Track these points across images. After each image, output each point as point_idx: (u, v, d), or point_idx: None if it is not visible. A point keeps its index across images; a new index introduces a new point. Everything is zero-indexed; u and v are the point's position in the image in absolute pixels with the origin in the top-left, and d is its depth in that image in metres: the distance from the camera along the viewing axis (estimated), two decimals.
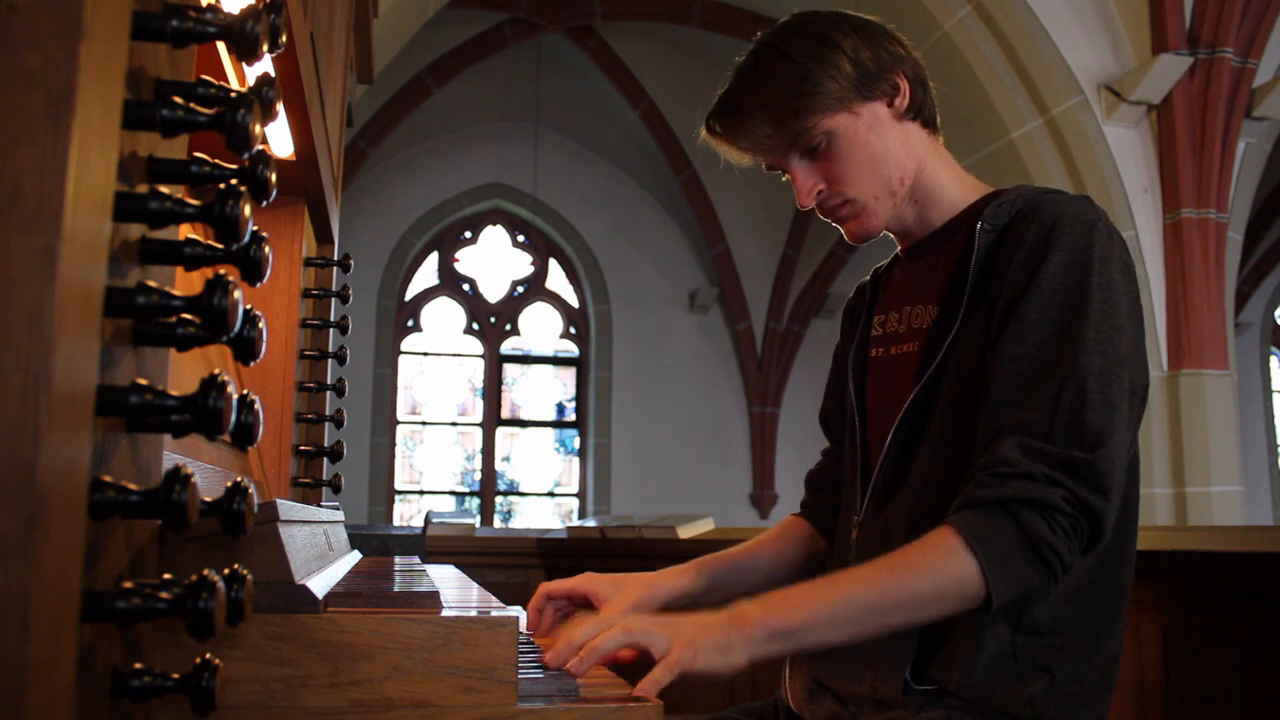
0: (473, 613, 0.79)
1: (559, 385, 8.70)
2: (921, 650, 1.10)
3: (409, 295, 8.43)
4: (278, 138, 1.29)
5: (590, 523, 4.13)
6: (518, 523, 8.41)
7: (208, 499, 0.54)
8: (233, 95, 0.53)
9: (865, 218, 1.23)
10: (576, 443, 8.63)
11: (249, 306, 0.55)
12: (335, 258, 1.71)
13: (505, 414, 8.55)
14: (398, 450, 8.22)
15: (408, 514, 8.25)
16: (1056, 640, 1.10)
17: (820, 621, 1.01)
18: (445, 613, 0.79)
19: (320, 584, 0.83)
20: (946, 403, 1.13)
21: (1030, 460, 1.01)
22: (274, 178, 0.57)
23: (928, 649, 1.10)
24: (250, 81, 0.83)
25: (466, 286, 8.59)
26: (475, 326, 8.58)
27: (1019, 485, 1.01)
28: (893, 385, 1.23)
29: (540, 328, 8.71)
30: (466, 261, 8.60)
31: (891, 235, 1.30)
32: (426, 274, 8.50)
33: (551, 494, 8.59)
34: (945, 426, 1.13)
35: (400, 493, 8.23)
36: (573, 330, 8.71)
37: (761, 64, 1.20)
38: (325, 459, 1.66)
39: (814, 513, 1.43)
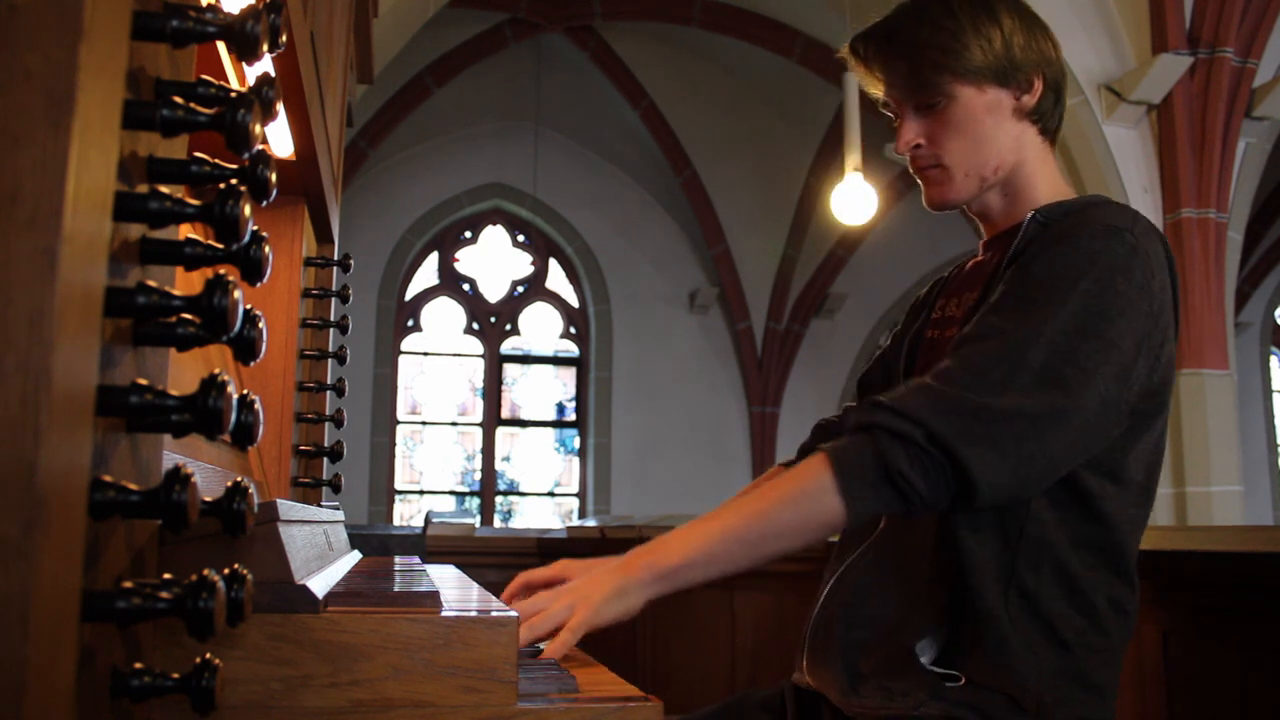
0: (473, 613, 0.79)
1: (559, 385, 8.71)
2: (942, 634, 1.12)
3: (409, 295, 8.43)
4: (278, 138, 1.28)
5: (590, 523, 4.13)
6: (518, 523, 8.42)
7: (208, 499, 0.54)
8: (233, 95, 0.53)
9: (947, 188, 1.25)
10: (576, 443, 8.63)
11: (249, 306, 0.55)
12: (335, 258, 1.71)
13: (505, 414, 8.55)
14: (398, 450, 8.22)
15: (408, 514, 8.25)
16: (1051, 628, 1.11)
17: (699, 559, 1.08)
18: (445, 613, 0.79)
19: (320, 584, 0.83)
20: None
21: (915, 396, 1.05)
22: (274, 178, 0.57)
23: (946, 631, 1.12)
24: (250, 81, 0.83)
25: (466, 286, 8.59)
26: (475, 326, 8.58)
27: (887, 416, 1.05)
28: (932, 363, 1.25)
29: (540, 328, 8.71)
30: (466, 261, 8.60)
31: (976, 220, 1.32)
32: (426, 274, 8.50)
33: (551, 494, 8.59)
34: None
35: (400, 493, 8.23)
36: (573, 330, 8.72)
37: (925, 7, 1.24)
38: (325, 459, 1.66)
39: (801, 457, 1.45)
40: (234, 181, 0.53)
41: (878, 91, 1.28)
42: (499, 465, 8.50)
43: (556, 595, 1.08)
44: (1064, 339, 1.06)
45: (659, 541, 1.11)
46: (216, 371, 0.50)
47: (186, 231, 0.55)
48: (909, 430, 1.03)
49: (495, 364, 8.56)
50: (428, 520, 3.96)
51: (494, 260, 8.65)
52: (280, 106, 1.11)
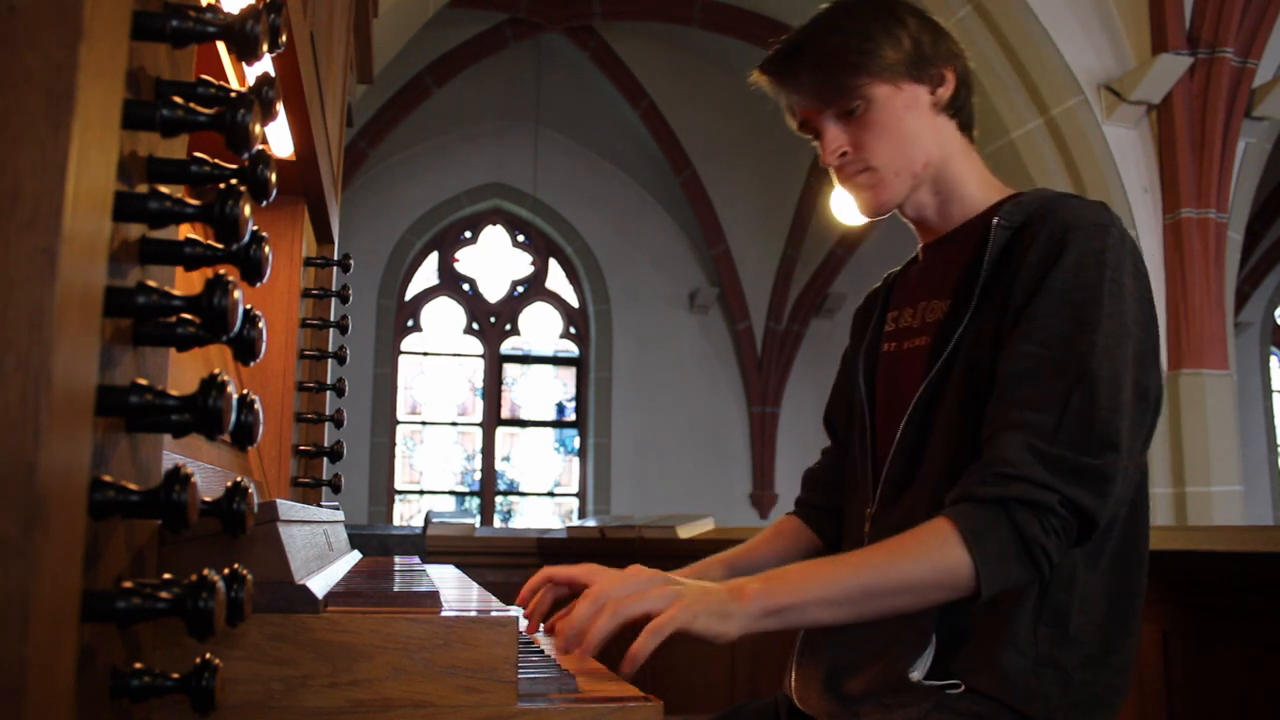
0: (473, 613, 0.79)
1: (559, 385, 8.71)
2: (939, 645, 1.11)
3: (409, 295, 8.43)
4: (278, 138, 1.29)
5: (590, 523, 4.14)
6: (518, 523, 8.41)
7: (208, 499, 0.54)
8: (233, 95, 0.53)
9: (880, 190, 1.25)
10: (576, 443, 8.63)
11: (249, 306, 0.55)
12: (335, 258, 1.71)
13: (505, 414, 8.55)
14: (398, 450, 8.22)
15: (408, 514, 8.25)
16: (1075, 641, 1.11)
17: (814, 601, 1.02)
18: (445, 613, 0.79)
19: (320, 584, 0.83)
20: (955, 396, 1.14)
21: (1035, 462, 1.03)
22: (274, 178, 0.57)
23: (947, 643, 1.11)
24: (250, 81, 0.83)
25: (466, 286, 8.59)
26: (475, 326, 8.58)
27: (1020, 487, 1.03)
28: (903, 379, 1.24)
29: (540, 328, 8.71)
30: (466, 261, 8.60)
31: (911, 226, 1.32)
32: (426, 274, 8.50)
33: (551, 494, 8.59)
34: (956, 419, 1.14)
35: (400, 493, 8.23)
36: (573, 330, 8.71)
37: (831, 18, 1.25)
38: (325, 459, 1.66)
39: (807, 510, 1.44)
40: (234, 181, 0.53)
41: (794, 108, 1.29)
42: (499, 465, 8.50)
43: (653, 583, 1.00)
44: (1112, 344, 1.07)
45: (775, 574, 1.05)
46: (216, 371, 0.50)
47: (186, 231, 0.55)
48: (1045, 498, 1.02)
49: (495, 364, 8.56)
50: (428, 520, 3.97)
51: (494, 260, 8.65)
52: (280, 106, 1.11)
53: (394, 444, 8.17)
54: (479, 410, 8.52)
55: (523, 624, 1.22)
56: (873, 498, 1.24)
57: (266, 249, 0.55)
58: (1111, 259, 1.10)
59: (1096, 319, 1.07)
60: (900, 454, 1.20)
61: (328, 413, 1.65)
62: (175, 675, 0.51)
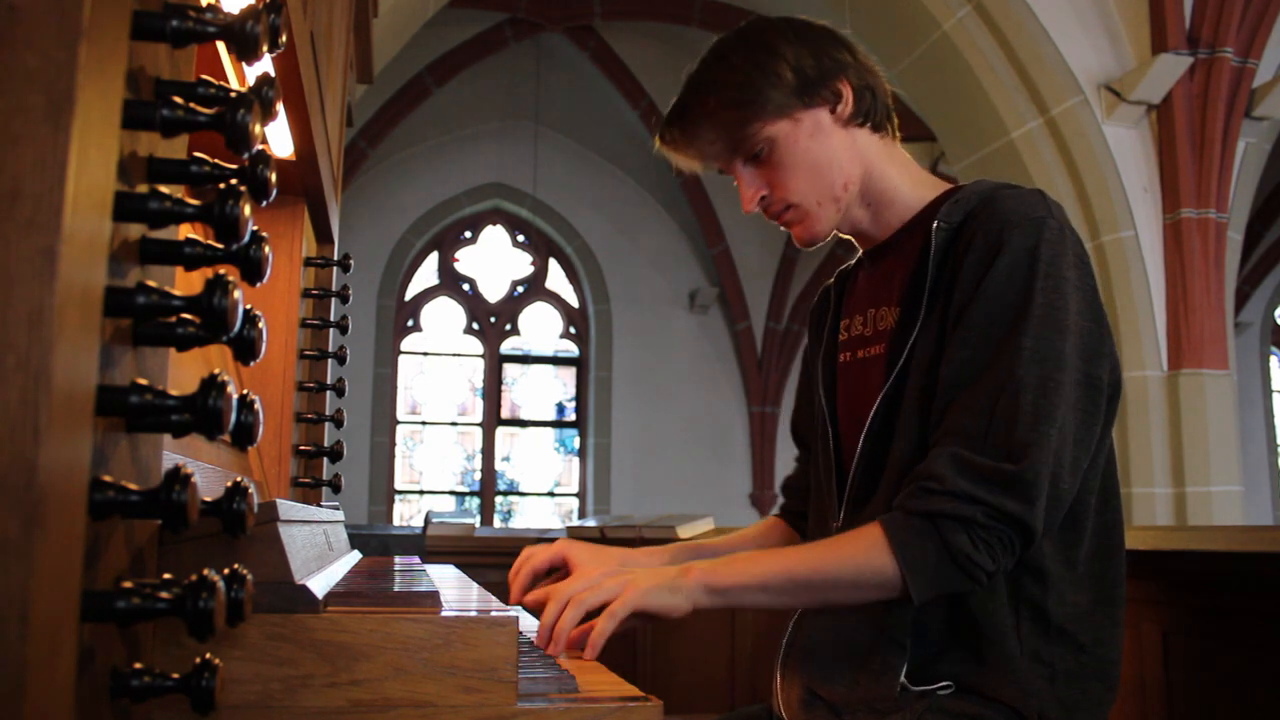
0: (473, 613, 0.79)
1: (559, 385, 8.71)
2: (920, 649, 1.11)
3: (409, 295, 8.44)
4: (278, 138, 1.29)
5: (590, 522, 4.14)
6: (518, 523, 8.42)
7: (208, 499, 0.54)
8: (233, 95, 0.53)
9: (809, 222, 1.24)
10: (576, 442, 8.63)
11: (249, 306, 0.55)
12: (335, 258, 1.71)
13: (505, 414, 8.55)
14: (398, 450, 8.23)
15: (408, 514, 8.25)
16: (1060, 633, 1.11)
17: (751, 586, 1.10)
18: (445, 613, 0.79)
19: (320, 584, 0.83)
20: (912, 402, 1.14)
21: (958, 475, 1.04)
22: (274, 178, 0.57)
23: (929, 647, 1.12)
24: (250, 81, 0.83)
25: (466, 286, 8.59)
26: (475, 326, 8.58)
27: (943, 502, 1.04)
28: (861, 389, 1.24)
29: (540, 327, 8.72)
30: (466, 261, 8.60)
31: (851, 239, 1.31)
32: (426, 274, 8.51)
33: (551, 494, 8.60)
34: (914, 424, 1.14)
35: (400, 493, 8.23)
36: (573, 330, 8.72)
37: (706, 72, 1.24)
38: (325, 459, 1.66)
39: (790, 516, 1.46)
40: (234, 181, 0.53)
41: (699, 168, 1.29)
42: (499, 465, 8.51)
43: (606, 574, 1.10)
44: (1043, 345, 1.06)
45: (722, 560, 1.14)
46: (216, 371, 0.50)
47: (186, 231, 0.55)
48: (969, 512, 1.03)
49: (495, 364, 8.56)
50: (428, 520, 3.96)
51: (494, 260, 8.65)
52: (280, 106, 1.11)
53: (394, 444, 8.18)
54: (479, 410, 8.52)
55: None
56: (838, 513, 1.24)
57: (266, 249, 0.55)
58: (1046, 253, 1.08)
59: (1026, 322, 1.06)
60: (862, 465, 1.20)
61: (328, 413, 1.64)
62: (175, 675, 0.51)
